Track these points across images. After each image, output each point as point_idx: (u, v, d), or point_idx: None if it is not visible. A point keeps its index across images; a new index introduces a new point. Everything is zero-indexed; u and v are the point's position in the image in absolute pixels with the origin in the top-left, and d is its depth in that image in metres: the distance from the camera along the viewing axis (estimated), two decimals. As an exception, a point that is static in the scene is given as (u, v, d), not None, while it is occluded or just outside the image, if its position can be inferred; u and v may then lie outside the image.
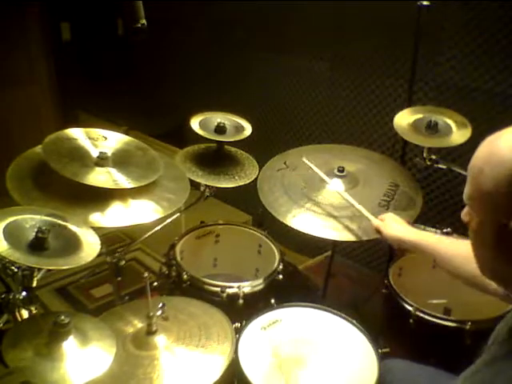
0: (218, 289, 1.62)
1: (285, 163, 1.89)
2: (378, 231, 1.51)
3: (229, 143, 1.86)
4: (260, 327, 1.47)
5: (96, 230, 1.28)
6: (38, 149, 1.47)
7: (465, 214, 0.92)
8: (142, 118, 3.36)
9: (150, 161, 1.56)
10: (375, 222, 1.54)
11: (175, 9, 3.20)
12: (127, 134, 1.65)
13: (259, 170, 1.86)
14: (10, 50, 3.25)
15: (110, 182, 1.41)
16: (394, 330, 1.72)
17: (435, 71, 2.23)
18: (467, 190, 0.88)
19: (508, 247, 0.83)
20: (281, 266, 1.75)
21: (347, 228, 1.62)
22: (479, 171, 0.83)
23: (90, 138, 1.55)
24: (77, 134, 1.55)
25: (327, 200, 1.72)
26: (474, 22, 2.06)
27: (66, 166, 1.39)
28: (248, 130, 1.85)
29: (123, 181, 1.44)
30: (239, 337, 1.41)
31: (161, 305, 1.28)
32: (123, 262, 1.63)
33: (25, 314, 1.19)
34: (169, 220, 1.67)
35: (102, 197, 1.41)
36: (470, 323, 1.49)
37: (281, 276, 1.72)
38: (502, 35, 1.99)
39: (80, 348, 1.07)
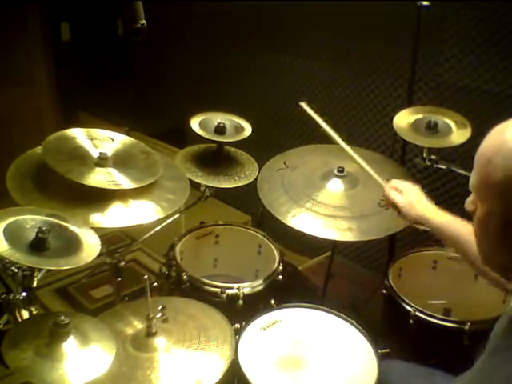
0: (218, 289, 1.62)
1: (285, 163, 1.89)
2: (395, 206, 1.38)
3: (229, 143, 1.86)
4: (260, 328, 1.47)
5: (96, 230, 1.28)
6: (39, 149, 1.47)
7: (469, 203, 0.91)
8: (142, 118, 3.36)
9: (151, 164, 1.56)
10: (399, 200, 1.37)
11: (175, 9, 3.20)
12: (128, 135, 1.65)
13: (259, 170, 1.86)
14: (10, 50, 3.24)
15: (110, 183, 1.41)
16: (394, 331, 1.72)
17: (435, 71, 2.23)
18: (473, 180, 0.87)
19: None
20: (281, 267, 1.75)
21: (347, 228, 1.62)
22: (488, 161, 0.82)
23: (90, 139, 1.54)
24: (77, 134, 1.54)
25: (327, 200, 1.72)
26: (474, 21, 2.06)
27: (66, 167, 1.38)
28: (248, 130, 1.85)
29: (123, 181, 1.43)
30: (239, 338, 1.41)
31: (161, 307, 1.28)
32: (123, 263, 1.63)
33: (25, 314, 1.19)
34: (169, 220, 1.67)
35: (102, 197, 1.40)
36: (469, 324, 1.50)
37: (281, 276, 1.72)
38: (502, 35, 1.99)
39: (80, 348, 1.07)
